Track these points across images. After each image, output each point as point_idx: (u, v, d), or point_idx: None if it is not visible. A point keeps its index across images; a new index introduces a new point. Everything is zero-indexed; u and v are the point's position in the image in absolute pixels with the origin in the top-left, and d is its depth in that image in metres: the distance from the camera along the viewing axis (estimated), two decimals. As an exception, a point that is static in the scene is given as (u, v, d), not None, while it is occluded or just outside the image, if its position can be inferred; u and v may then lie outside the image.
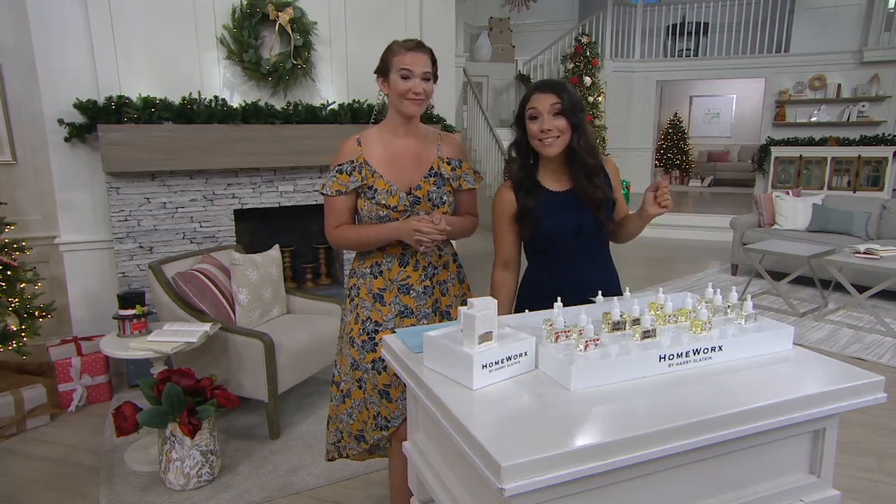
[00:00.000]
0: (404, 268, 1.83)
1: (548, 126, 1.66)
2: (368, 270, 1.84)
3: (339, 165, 1.79)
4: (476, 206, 1.96)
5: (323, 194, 1.83)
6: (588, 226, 1.75)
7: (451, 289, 1.92)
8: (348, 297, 1.91)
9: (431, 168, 1.82)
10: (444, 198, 1.82)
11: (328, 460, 2.04)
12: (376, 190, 1.76)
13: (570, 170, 1.76)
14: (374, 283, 1.83)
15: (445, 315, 1.88)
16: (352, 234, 1.82)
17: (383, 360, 1.72)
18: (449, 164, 1.86)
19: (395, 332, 1.65)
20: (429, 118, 4.23)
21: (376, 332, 1.82)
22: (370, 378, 1.83)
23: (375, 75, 1.78)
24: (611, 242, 1.89)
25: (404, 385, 1.67)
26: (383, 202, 1.75)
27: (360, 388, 1.86)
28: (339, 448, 1.98)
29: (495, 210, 1.81)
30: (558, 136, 1.68)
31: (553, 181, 1.78)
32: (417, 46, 1.73)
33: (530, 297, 1.85)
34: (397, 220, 1.77)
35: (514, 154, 1.81)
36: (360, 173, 1.77)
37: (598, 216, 1.75)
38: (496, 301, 1.25)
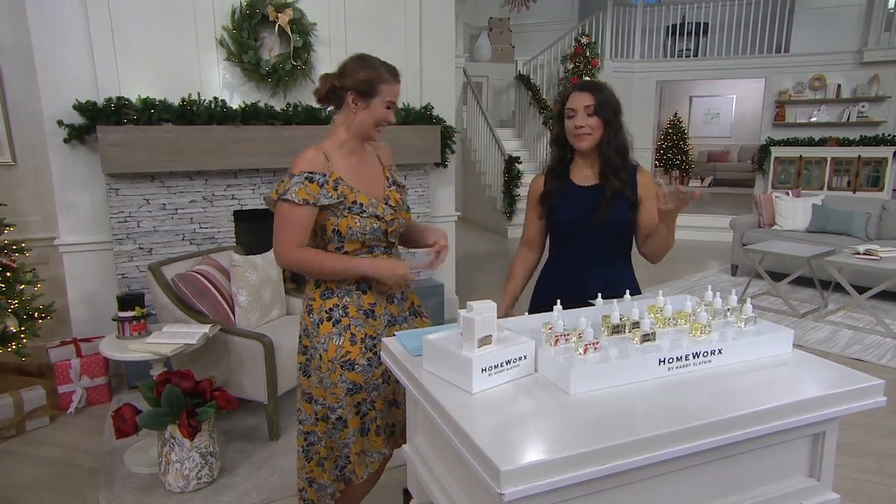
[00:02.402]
0: None
1: (580, 123, 1.79)
2: (355, 287, 1.75)
3: (311, 173, 1.64)
4: None
5: (282, 200, 1.62)
6: (599, 223, 1.83)
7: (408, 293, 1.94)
8: (328, 322, 1.73)
9: (386, 178, 1.83)
10: (406, 201, 1.86)
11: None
12: (362, 204, 1.69)
13: (599, 166, 1.87)
14: (364, 299, 1.76)
15: (420, 314, 1.94)
16: (322, 260, 1.68)
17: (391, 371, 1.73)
18: (391, 170, 1.88)
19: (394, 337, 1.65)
20: (428, 119, 4.23)
21: (375, 345, 1.76)
22: (382, 393, 1.77)
23: (349, 91, 1.67)
24: (643, 258, 1.95)
25: None
26: (377, 214, 1.71)
27: (357, 413, 1.76)
28: (345, 475, 1.83)
29: (529, 193, 2.01)
30: (590, 133, 1.80)
31: (581, 176, 1.90)
32: (399, 77, 1.74)
33: (542, 287, 2.01)
34: (387, 231, 1.75)
35: (553, 147, 1.95)
36: (335, 190, 1.66)
37: (611, 210, 1.81)
38: (495, 305, 1.24)
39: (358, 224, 1.69)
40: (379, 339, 1.76)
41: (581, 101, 1.78)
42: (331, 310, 1.74)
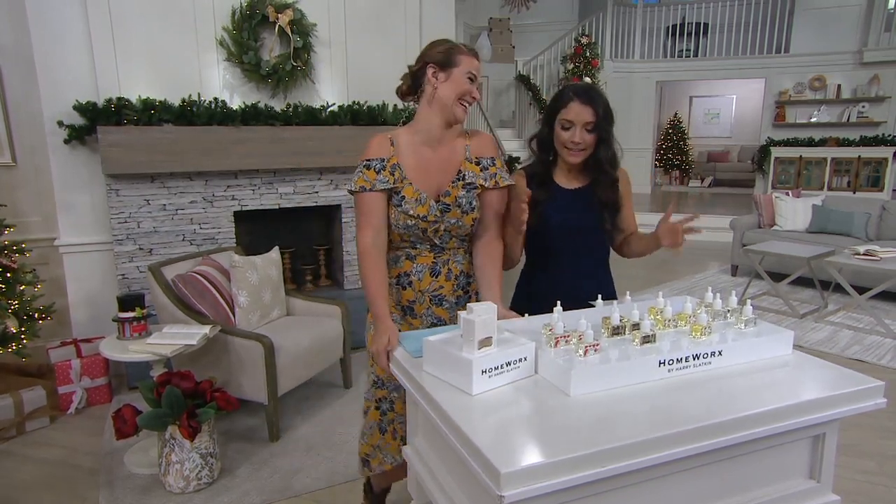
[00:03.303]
0: (436, 278, 1.73)
1: (578, 139, 1.71)
2: (395, 281, 1.74)
3: (368, 161, 1.67)
4: (502, 208, 1.80)
5: (349, 192, 1.70)
6: (589, 226, 1.81)
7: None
8: (369, 311, 1.74)
9: (459, 171, 1.71)
10: (474, 203, 1.71)
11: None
12: (404, 197, 1.65)
13: (585, 170, 1.82)
14: (403, 295, 1.73)
15: None
16: (364, 271, 1.65)
17: None
18: (478, 163, 1.73)
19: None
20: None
21: None
22: (401, 396, 1.72)
23: (425, 67, 1.65)
24: (617, 255, 1.93)
25: None
26: (411, 212, 1.65)
27: (378, 408, 1.77)
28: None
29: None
30: (584, 149, 1.73)
31: (565, 179, 1.84)
32: (477, 54, 1.69)
33: (526, 292, 1.91)
34: (426, 228, 1.67)
35: (534, 147, 1.86)
36: (392, 175, 1.65)
37: (602, 217, 1.80)
38: (495, 307, 1.24)
39: (393, 216, 1.67)
40: None
41: (582, 115, 1.69)
42: None
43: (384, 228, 1.68)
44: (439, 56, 1.63)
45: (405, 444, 1.74)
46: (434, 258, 1.73)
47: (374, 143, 1.69)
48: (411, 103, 1.80)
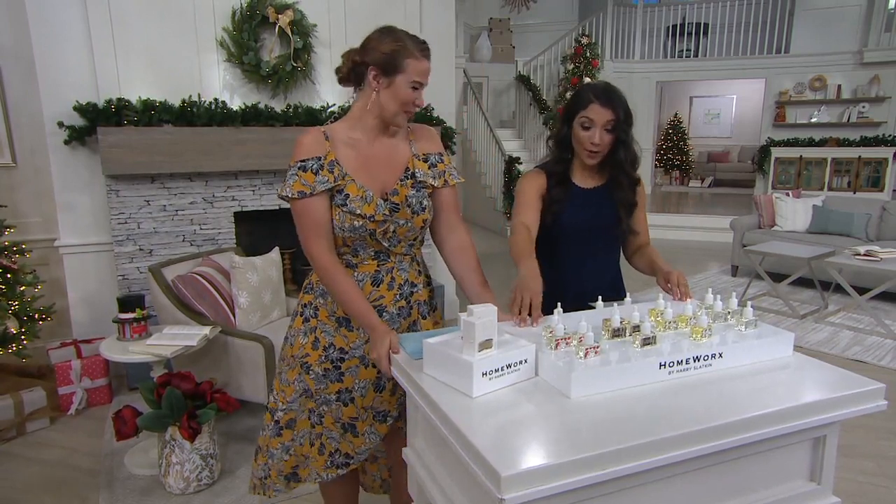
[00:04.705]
0: (377, 287, 1.58)
1: (598, 140, 1.71)
2: None
3: (302, 161, 1.49)
4: (459, 205, 1.71)
5: (283, 198, 1.51)
6: (605, 225, 1.83)
7: (430, 312, 1.70)
8: (300, 316, 1.64)
9: (406, 169, 1.57)
10: (424, 203, 1.58)
11: (251, 493, 1.77)
12: (348, 196, 1.49)
13: (602, 170, 1.83)
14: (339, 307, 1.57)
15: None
16: (338, 283, 1.50)
17: (350, 391, 1.61)
18: (426, 160, 1.61)
19: (362, 359, 1.57)
20: (427, 119, 4.23)
21: (342, 360, 1.59)
22: (332, 410, 1.62)
23: (367, 67, 1.49)
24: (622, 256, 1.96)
25: (371, 416, 1.65)
26: (358, 211, 1.49)
27: (308, 418, 1.64)
28: (265, 485, 1.73)
29: (524, 187, 1.84)
30: (602, 150, 1.74)
31: (583, 177, 1.86)
32: (428, 53, 1.51)
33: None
34: (374, 230, 1.52)
35: (552, 146, 1.87)
36: (331, 173, 1.49)
37: (618, 217, 1.82)
38: (496, 308, 1.24)
39: (338, 218, 1.50)
40: (349, 355, 1.60)
41: (602, 116, 1.69)
42: (305, 306, 1.64)
43: (332, 234, 1.52)
44: (382, 58, 1.46)
45: (331, 461, 1.67)
46: (377, 266, 1.57)
47: (305, 140, 1.51)
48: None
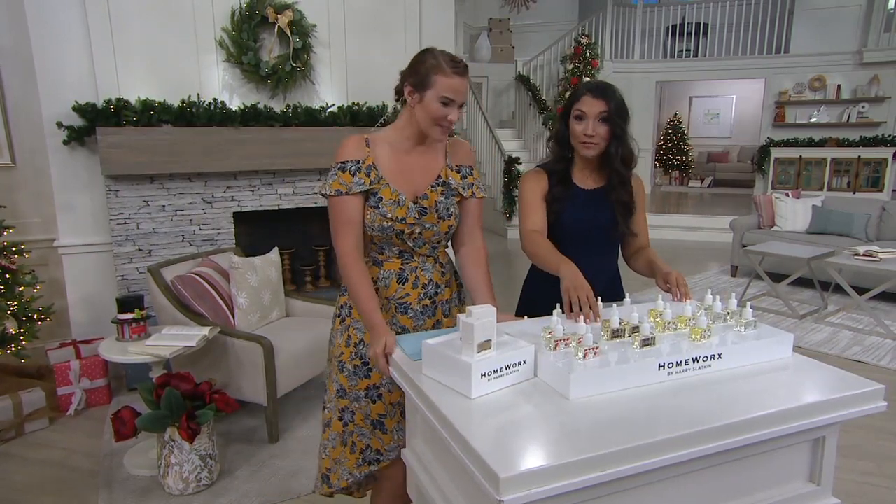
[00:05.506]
0: (402, 285, 1.68)
1: (591, 132, 1.73)
2: None
3: (342, 163, 1.61)
4: (481, 218, 1.79)
5: (322, 195, 1.64)
6: (604, 226, 1.83)
7: (454, 310, 1.77)
8: (338, 318, 1.74)
9: (439, 177, 1.68)
10: (451, 209, 1.68)
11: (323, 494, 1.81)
12: (381, 199, 1.60)
13: (602, 170, 1.84)
14: None
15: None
16: (353, 279, 1.59)
17: (378, 388, 1.67)
18: (458, 171, 1.72)
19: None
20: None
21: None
22: (362, 407, 1.69)
23: (404, 83, 1.59)
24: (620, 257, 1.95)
25: (401, 414, 1.65)
26: (389, 214, 1.60)
27: (340, 419, 1.71)
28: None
29: (527, 188, 1.85)
30: (598, 143, 1.75)
31: (583, 178, 1.86)
32: (464, 70, 1.56)
33: (534, 294, 1.91)
34: (402, 231, 1.62)
35: (552, 145, 1.88)
36: (367, 176, 1.60)
37: (618, 219, 1.82)
38: (495, 309, 1.24)
39: (369, 218, 1.61)
40: None
41: (594, 106, 1.71)
42: (341, 307, 1.74)
43: (362, 232, 1.63)
44: (415, 75, 1.55)
45: (363, 458, 1.71)
46: (402, 264, 1.68)
47: (348, 144, 1.64)
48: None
